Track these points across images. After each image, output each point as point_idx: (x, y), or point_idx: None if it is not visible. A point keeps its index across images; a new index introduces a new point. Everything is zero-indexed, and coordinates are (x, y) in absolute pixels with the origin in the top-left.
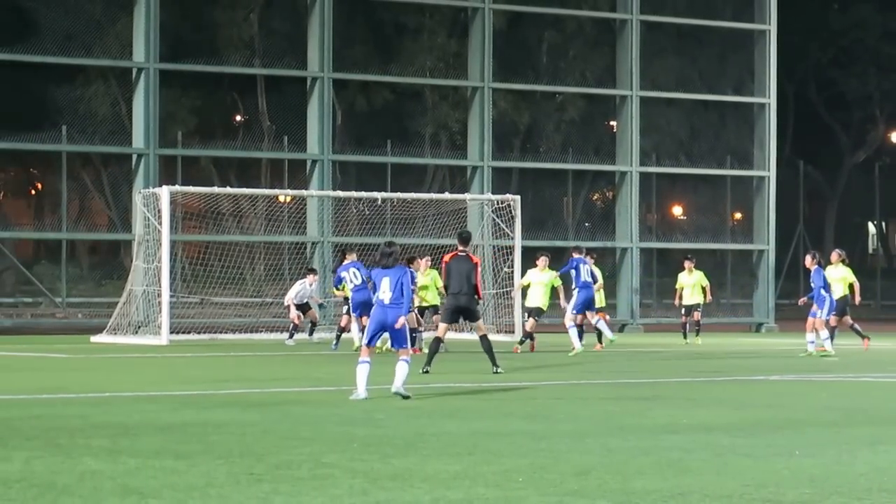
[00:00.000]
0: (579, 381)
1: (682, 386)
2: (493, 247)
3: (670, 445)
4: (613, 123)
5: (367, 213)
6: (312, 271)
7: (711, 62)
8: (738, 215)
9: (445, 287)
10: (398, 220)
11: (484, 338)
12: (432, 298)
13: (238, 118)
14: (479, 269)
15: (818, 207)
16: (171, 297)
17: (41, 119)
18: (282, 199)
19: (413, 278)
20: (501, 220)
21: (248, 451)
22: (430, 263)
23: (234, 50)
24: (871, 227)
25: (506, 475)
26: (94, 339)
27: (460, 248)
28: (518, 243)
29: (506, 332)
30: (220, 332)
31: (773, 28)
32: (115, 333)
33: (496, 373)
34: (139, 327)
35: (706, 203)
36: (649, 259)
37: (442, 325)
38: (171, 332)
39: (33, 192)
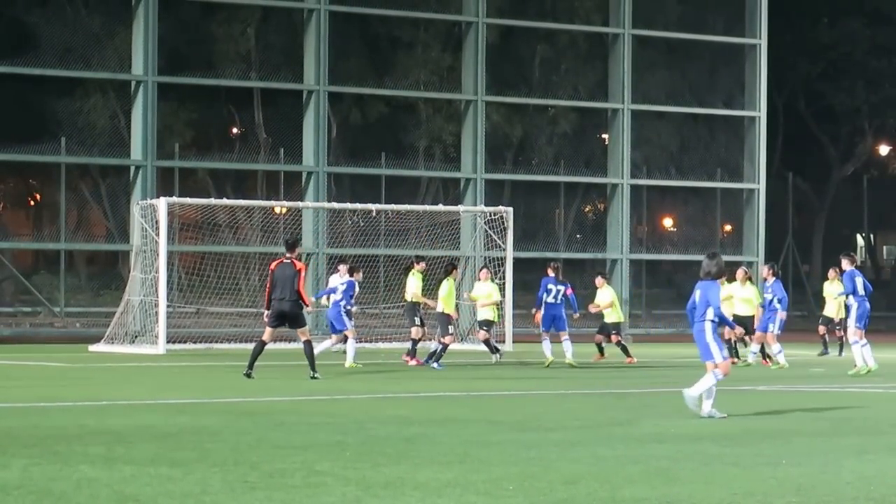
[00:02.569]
0: (568, 390)
1: (670, 396)
2: (486, 258)
3: (658, 454)
4: (605, 136)
5: (362, 224)
6: (342, 260)
7: (702, 76)
8: (727, 227)
9: (270, 294)
10: (392, 232)
11: (307, 343)
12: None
13: (234, 130)
14: (304, 275)
15: (807, 219)
16: (168, 306)
17: (40, 131)
18: (277, 210)
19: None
20: (494, 232)
21: (243, 459)
22: (489, 275)
23: (231, 63)
24: (860, 239)
25: (496, 483)
26: (92, 348)
27: (286, 254)
28: (510, 255)
29: (496, 341)
30: (216, 342)
31: (763, 42)
32: (113, 343)
33: (313, 378)
34: (136, 337)
35: (696, 215)
36: (639, 270)
37: (267, 330)
38: (168, 342)
39: (32, 203)
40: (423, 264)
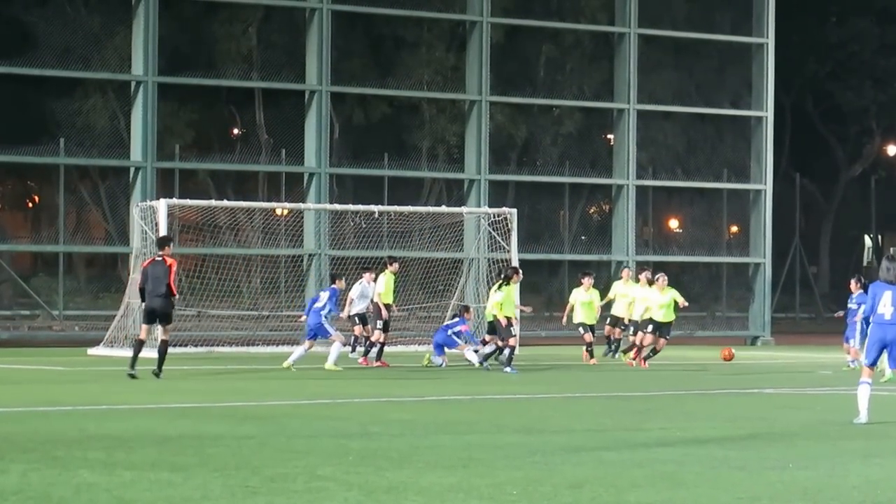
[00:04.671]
0: (573, 393)
1: (676, 399)
2: (489, 260)
3: (664, 458)
4: (610, 137)
5: (364, 226)
6: (367, 269)
7: (709, 75)
8: (734, 228)
9: (142, 289)
10: (395, 234)
11: (163, 343)
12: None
13: (235, 131)
14: (174, 271)
15: (814, 221)
16: None
17: (39, 132)
18: (279, 212)
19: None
20: (498, 234)
21: (244, 464)
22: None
23: (232, 63)
24: (867, 240)
25: (500, 488)
26: (91, 351)
27: (158, 252)
28: (514, 257)
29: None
30: (217, 345)
31: (770, 41)
32: (112, 346)
33: (155, 373)
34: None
35: (702, 216)
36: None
37: (143, 327)
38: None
39: (31, 204)
40: (396, 265)
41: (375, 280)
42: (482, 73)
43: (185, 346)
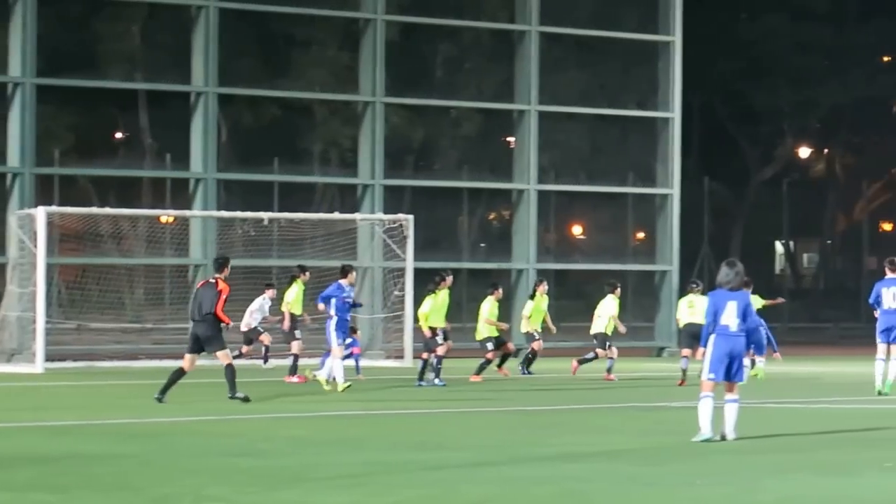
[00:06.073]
0: (473, 408)
1: (582, 413)
2: (384, 269)
3: (570, 475)
4: (511, 139)
5: (253, 234)
6: (270, 286)
7: (613, 75)
8: (640, 234)
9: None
10: (285, 242)
11: (228, 367)
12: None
13: (118, 135)
14: (223, 298)
15: (724, 226)
16: (47, 322)
17: None
18: (163, 219)
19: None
20: (393, 241)
21: (127, 485)
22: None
23: (115, 64)
24: (779, 246)
25: None
26: None
27: (214, 274)
28: (410, 265)
29: (395, 357)
30: (98, 360)
31: (677, 39)
32: None
33: (242, 398)
34: (13, 355)
35: (607, 222)
36: (546, 281)
37: (186, 356)
38: (47, 360)
39: None
40: (307, 274)
41: (289, 288)
42: (376, 74)
43: (65, 360)
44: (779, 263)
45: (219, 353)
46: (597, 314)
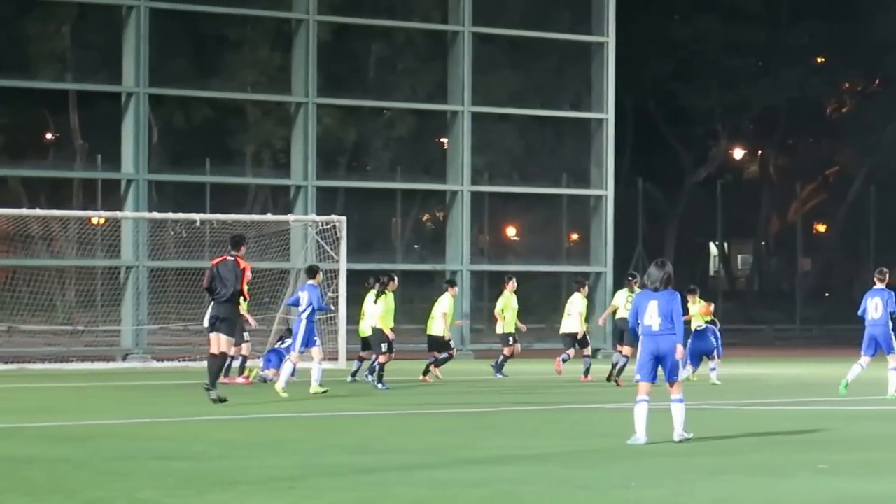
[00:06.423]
0: (406, 410)
1: (515, 415)
2: None
3: (503, 477)
4: (444, 140)
5: (185, 235)
6: None
7: (547, 76)
8: (574, 236)
9: (208, 289)
10: (218, 243)
11: (222, 356)
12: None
13: (49, 136)
14: (247, 276)
15: (658, 227)
16: None
17: None
18: (95, 221)
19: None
20: (326, 243)
21: (59, 488)
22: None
23: (46, 64)
24: (713, 248)
25: None
26: None
27: (231, 251)
28: (343, 267)
29: (329, 359)
30: (29, 362)
31: (611, 40)
32: None
33: (206, 388)
34: None
35: (541, 223)
36: (480, 282)
37: (210, 337)
38: None
39: None
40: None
41: None
42: (309, 74)
43: None
44: (713, 265)
45: (223, 338)
46: (566, 313)
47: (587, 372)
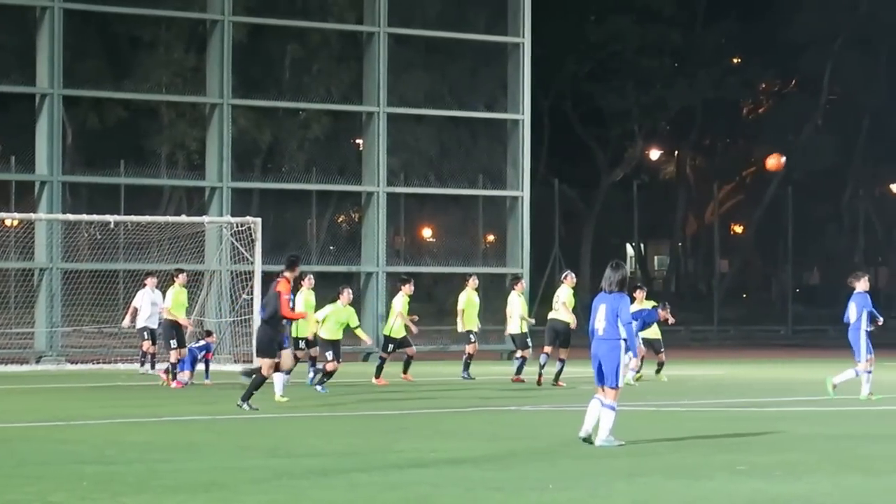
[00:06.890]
0: (321, 413)
1: (430, 417)
2: (232, 272)
3: (418, 480)
4: (360, 141)
5: (100, 237)
6: (151, 274)
7: (463, 77)
8: (490, 237)
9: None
10: (132, 245)
11: (258, 371)
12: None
13: None
14: (282, 299)
15: (574, 228)
16: None
17: None
18: (8, 223)
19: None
20: (241, 244)
21: None
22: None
23: None
24: (630, 249)
25: None
26: None
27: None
28: (258, 268)
29: (244, 361)
30: None
31: (527, 41)
32: None
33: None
34: None
35: (457, 225)
36: (395, 284)
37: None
38: None
39: None
40: (184, 276)
41: (164, 293)
42: (224, 75)
43: None
44: (629, 266)
45: (264, 361)
46: (508, 314)
47: (519, 371)
